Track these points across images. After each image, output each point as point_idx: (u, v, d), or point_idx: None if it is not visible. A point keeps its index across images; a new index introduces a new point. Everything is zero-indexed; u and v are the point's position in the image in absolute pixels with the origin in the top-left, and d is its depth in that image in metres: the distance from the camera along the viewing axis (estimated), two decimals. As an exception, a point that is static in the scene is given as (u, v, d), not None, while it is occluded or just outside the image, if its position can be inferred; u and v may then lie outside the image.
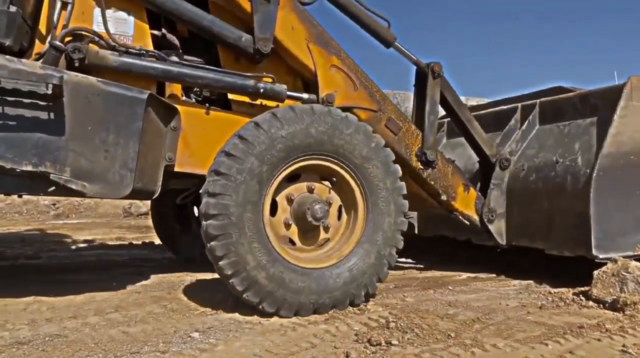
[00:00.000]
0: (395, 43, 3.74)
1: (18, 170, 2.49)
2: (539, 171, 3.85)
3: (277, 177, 2.77)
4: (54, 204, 10.02)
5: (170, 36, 3.25)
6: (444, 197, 3.80)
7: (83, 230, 7.31)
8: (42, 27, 2.83)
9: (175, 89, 3.18)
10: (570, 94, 4.04)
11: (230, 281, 2.63)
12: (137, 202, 9.63)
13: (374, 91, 3.54)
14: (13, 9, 2.64)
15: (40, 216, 9.53)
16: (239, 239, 2.60)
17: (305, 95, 3.37)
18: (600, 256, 3.35)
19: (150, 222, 5.44)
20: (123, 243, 5.97)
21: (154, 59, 2.98)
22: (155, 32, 3.18)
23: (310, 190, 2.96)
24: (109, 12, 2.92)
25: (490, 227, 3.94)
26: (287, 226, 2.91)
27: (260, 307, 2.67)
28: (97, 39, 2.85)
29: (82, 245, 5.80)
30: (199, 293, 3.24)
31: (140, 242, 6.00)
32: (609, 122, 3.47)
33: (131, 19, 3.01)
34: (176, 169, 3.06)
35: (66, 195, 2.78)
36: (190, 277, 3.76)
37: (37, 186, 2.58)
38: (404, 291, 3.40)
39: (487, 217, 3.93)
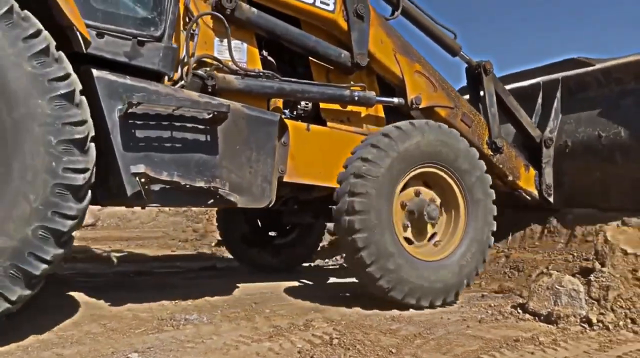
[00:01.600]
0: (461, 52, 4.34)
1: (188, 186, 2.82)
2: (584, 145, 4.29)
3: (403, 180, 3.32)
4: None
5: (269, 58, 3.58)
6: (510, 178, 4.37)
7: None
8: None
9: (278, 106, 3.54)
10: (591, 68, 4.39)
11: (368, 270, 3.12)
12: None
13: (449, 90, 4.09)
14: (175, 45, 3.00)
15: None
16: (378, 233, 3.10)
17: (395, 100, 3.89)
18: None
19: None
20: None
21: (269, 79, 3.38)
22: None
23: (417, 194, 3.45)
24: (226, 42, 3.22)
25: (550, 199, 4.50)
26: (405, 228, 3.40)
27: (390, 294, 3.17)
28: (221, 65, 3.22)
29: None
30: (141, 311, 3.18)
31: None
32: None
33: (245, 46, 3.37)
34: (285, 180, 3.39)
35: (220, 206, 3.19)
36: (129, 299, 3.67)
37: (201, 200, 2.96)
38: (350, 306, 3.44)
39: (546, 192, 4.50)
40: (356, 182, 3.12)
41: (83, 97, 2.41)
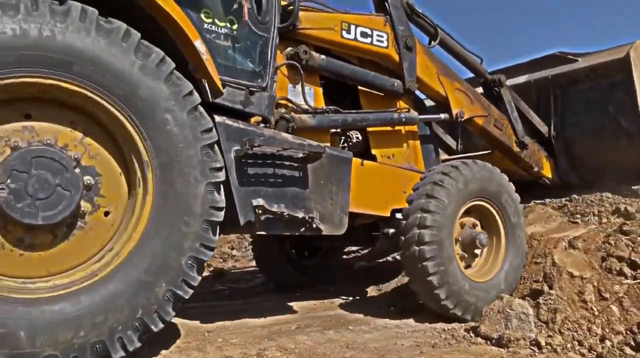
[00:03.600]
0: (486, 75, 5.00)
1: (287, 216, 3.21)
2: (593, 134, 4.97)
3: (459, 212, 3.77)
4: None
5: (328, 95, 3.96)
6: (535, 169, 5.12)
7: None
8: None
9: (335, 144, 3.91)
10: (578, 65, 5.03)
11: (436, 291, 3.55)
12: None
13: (483, 101, 4.71)
14: (275, 93, 3.40)
15: None
16: (444, 260, 3.56)
17: (442, 116, 4.48)
18: None
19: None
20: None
21: (334, 113, 3.78)
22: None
23: (473, 226, 3.95)
24: (298, 88, 3.64)
25: (569, 181, 5.29)
26: (461, 256, 3.83)
27: (454, 311, 3.59)
28: (295, 107, 3.59)
29: None
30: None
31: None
32: (630, 87, 4.60)
33: (312, 91, 3.78)
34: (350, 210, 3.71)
35: (309, 234, 3.41)
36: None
37: (296, 228, 3.33)
38: (305, 332, 3.40)
39: (565, 176, 5.29)
40: (426, 216, 3.58)
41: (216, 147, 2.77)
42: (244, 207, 3.07)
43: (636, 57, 4.64)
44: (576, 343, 3.07)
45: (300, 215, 3.28)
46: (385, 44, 4.07)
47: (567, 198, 5.23)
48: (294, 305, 4.38)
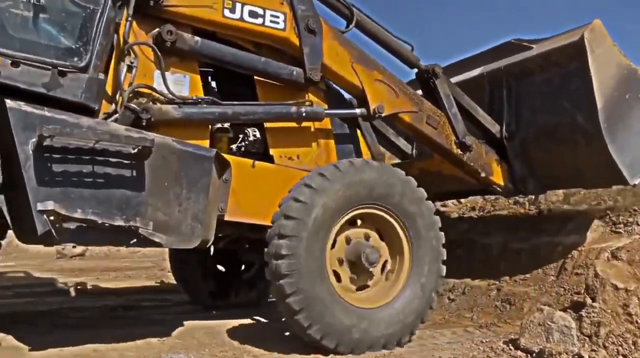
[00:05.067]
0: (419, 64, 4.18)
1: (107, 225, 2.67)
2: (546, 134, 4.10)
3: (339, 222, 3.13)
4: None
5: (215, 84, 3.59)
6: (483, 174, 4.22)
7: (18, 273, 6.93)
8: (109, 88, 3.02)
9: (223, 142, 3.44)
10: (531, 53, 4.19)
11: (296, 317, 2.92)
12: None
13: (412, 95, 3.96)
14: (102, 76, 2.92)
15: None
16: (307, 278, 2.92)
17: (358, 111, 3.79)
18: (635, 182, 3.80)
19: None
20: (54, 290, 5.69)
21: (210, 105, 3.26)
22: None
23: (367, 238, 3.28)
24: (168, 75, 3.17)
25: (525, 189, 4.40)
26: (340, 262, 3.21)
27: (323, 342, 2.96)
28: (157, 95, 3.11)
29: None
30: (126, 350, 3.10)
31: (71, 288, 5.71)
32: (586, 76, 3.68)
33: (187, 75, 3.28)
34: (226, 218, 3.25)
35: (144, 246, 2.94)
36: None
37: (122, 239, 2.79)
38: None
39: (522, 186, 4.34)
40: (286, 223, 2.95)
41: None
42: (38, 212, 2.57)
43: (593, 40, 3.69)
44: (621, 357, 2.97)
45: (123, 223, 2.70)
46: (281, 26, 3.45)
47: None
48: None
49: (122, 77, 3.02)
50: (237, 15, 3.31)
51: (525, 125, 4.25)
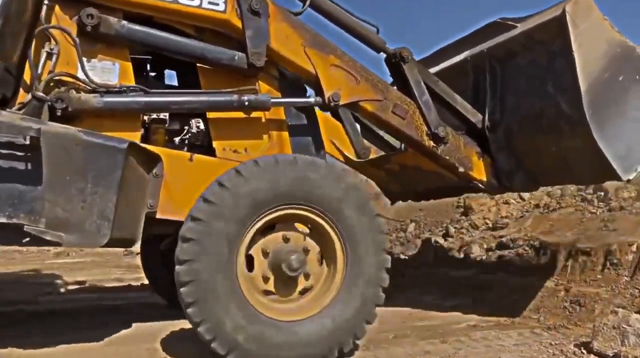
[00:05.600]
0: (386, 48, 3.79)
1: None
2: (531, 122, 3.67)
3: (256, 223, 2.78)
4: (53, 242, 9.91)
5: (151, 72, 3.34)
6: (461, 169, 3.84)
7: (82, 270, 7.25)
8: (27, 76, 2.84)
9: (159, 134, 3.20)
10: (514, 32, 3.77)
11: (198, 330, 2.60)
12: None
13: (375, 81, 3.57)
14: (13, 63, 2.71)
15: (40, 255, 9.46)
16: (209, 285, 2.60)
17: (311, 99, 3.46)
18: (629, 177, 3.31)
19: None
20: (121, 285, 5.92)
21: (137, 94, 3.01)
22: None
23: (286, 240, 2.91)
24: (95, 62, 2.98)
25: (511, 185, 3.97)
26: (266, 279, 2.86)
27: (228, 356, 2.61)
28: (78, 83, 2.88)
29: (75, 286, 5.74)
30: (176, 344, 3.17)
31: (139, 283, 5.92)
32: (569, 55, 3.25)
33: (116, 66, 3.05)
34: (158, 216, 3.03)
35: (42, 245, 2.75)
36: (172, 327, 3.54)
37: (12, 237, 2.57)
38: (401, 344, 3.33)
39: (507, 180, 3.92)
40: (190, 226, 2.66)
41: None
42: None
43: (576, 13, 3.27)
44: None
45: (7, 220, 2.47)
46: (222, 7, 3.18)
47: None
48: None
49: (41, 65, 2.82)
50: None
51: (510, 113, 3.80)
